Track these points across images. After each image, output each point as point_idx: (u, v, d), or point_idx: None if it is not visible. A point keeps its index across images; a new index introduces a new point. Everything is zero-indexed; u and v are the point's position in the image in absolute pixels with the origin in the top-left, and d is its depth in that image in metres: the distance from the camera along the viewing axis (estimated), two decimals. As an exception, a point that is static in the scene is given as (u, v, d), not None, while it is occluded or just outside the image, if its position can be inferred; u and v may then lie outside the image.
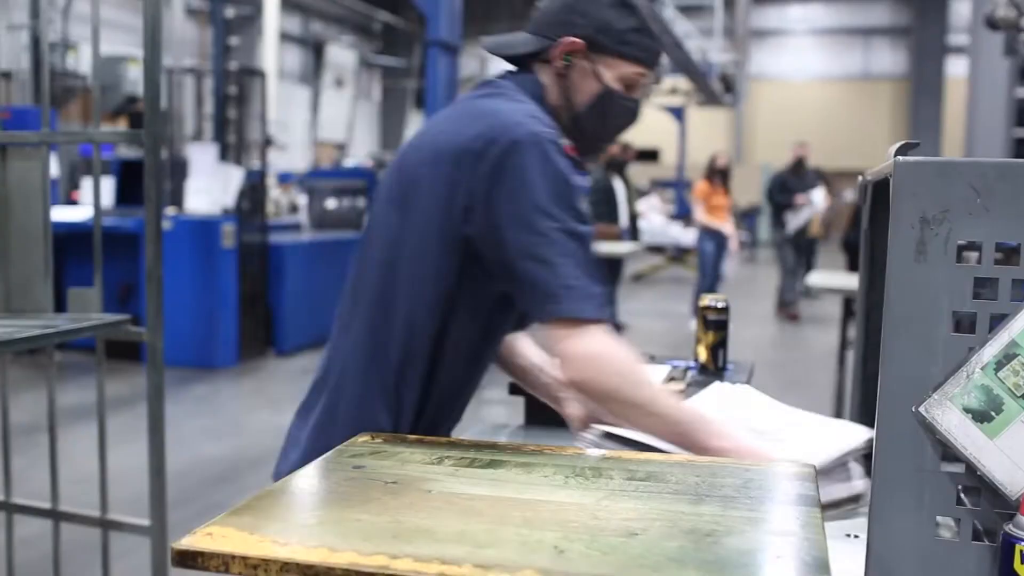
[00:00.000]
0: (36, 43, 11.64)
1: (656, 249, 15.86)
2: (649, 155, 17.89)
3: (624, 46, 1.70)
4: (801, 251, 12.08)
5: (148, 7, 2.72)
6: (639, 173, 12.01)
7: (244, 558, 1.02)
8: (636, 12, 1.72)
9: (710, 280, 10.21)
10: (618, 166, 9.40)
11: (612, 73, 1.71)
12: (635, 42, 1.71)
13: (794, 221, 11.13)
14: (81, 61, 13.82)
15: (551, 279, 1.51)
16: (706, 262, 10.25)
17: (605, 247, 8.55)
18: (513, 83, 1.75)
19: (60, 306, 2.99)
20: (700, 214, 10.01)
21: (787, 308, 11.82)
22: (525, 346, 1.97)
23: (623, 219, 9.23)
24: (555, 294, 1.51)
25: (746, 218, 20.32)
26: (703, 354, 2.30)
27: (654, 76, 1.77)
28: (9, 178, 3.03)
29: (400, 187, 1.67)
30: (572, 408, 1.82)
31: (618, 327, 8.78)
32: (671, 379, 2.18)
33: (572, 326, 1.52)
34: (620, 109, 1.74)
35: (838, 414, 5.63)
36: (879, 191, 1.70)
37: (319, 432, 1.68)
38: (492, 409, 4.83)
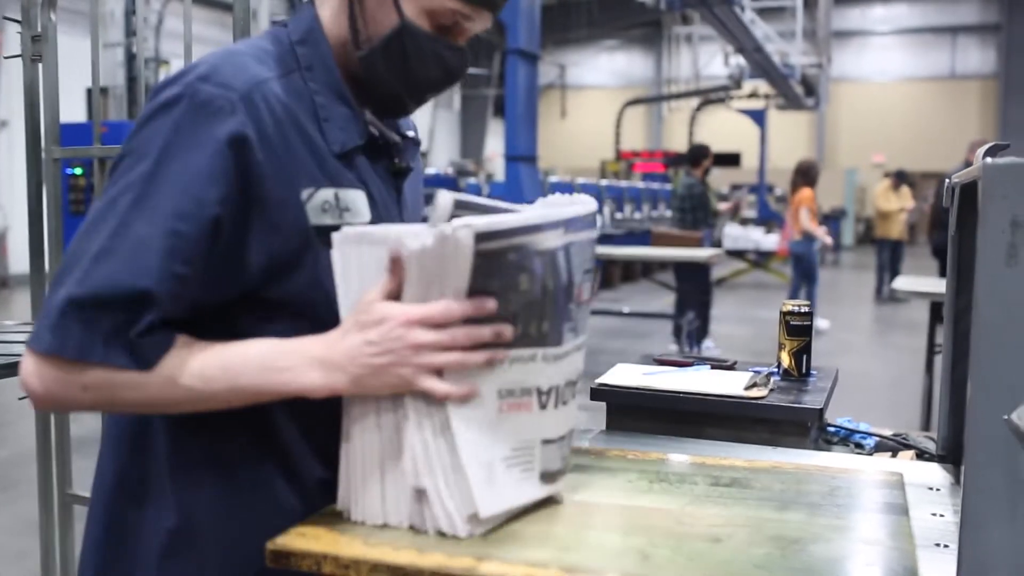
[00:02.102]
0: (131, 60, 12.02)
1: (736, 254, 15.68)
2: (729, 159, 17.69)
3: None
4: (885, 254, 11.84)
5: (238, 23, 2.79)
6: (719, 178, 11.89)
7: (336, 558, 1.06)
8: None
9: (815, 284, 10.05)
10: (710, 173, 9.31)
11: (417, 3, 1.26)
12: None
13: None
14: (171, 76, 14.20)
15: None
16: (812, 266, 10.06)
17: (687, 253, 8.49)
18: (289, 21, 1.36)
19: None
20: (807, 220, 9.83)
21: None
22: None
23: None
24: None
25: (830, 222, 19.97)
26: (786, 360, 2.28)
27: (486, 17, 1.31)
28: (106, 191, 3.14)
29: None
30: None
31: (703, 332, 8.66)
32: (753, 385, 2.16)
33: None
34: (425, 53, 1.28)
35: (927, 422, 5.50)
36: (967, 194, 1.68)
37: None
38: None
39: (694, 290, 8.67)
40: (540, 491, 1.18)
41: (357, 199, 1.26)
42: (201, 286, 1.16)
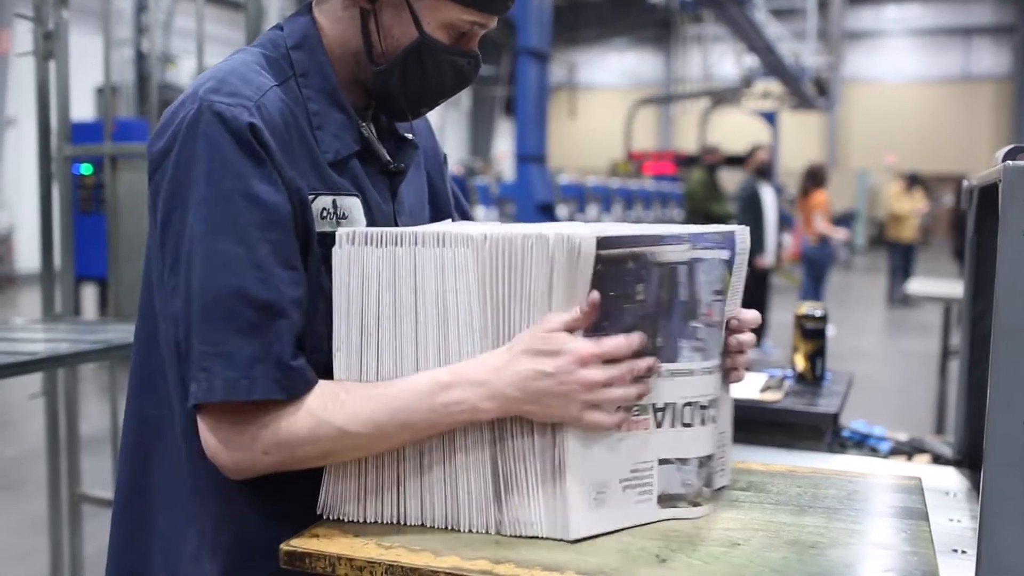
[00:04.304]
0: (140, 57, 12.06)
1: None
2: (741, 160, 17.71)
3: None
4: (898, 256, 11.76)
5: (250, 21, 2.79)
6: (730, 179, 11.87)
7: (350, 560, 1.05)
8: None
9: (823, 288, 10.01)
10: (766, 172, 9.06)
11: (436, 18, 1.26)
12: None
13: None
14: (181, 74, 14.26)
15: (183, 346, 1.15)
16: (824, 270, 10.03)
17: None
18: (285, 24, 1.35)
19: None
20: (822, 224, 9.79)
21: None
22: None
23: (770, 232, 8.90)
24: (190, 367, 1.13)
25: (842, 223, 19.93)
26: (801, 363, 2.27)
27: (493, 21, 1.31)
28: (119, 188, 3.15)
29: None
30: None
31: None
32: (767, 388, 2.15)
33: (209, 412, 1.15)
34: (443, 65, 1.29)
35: (940, 426, 5.48)
36: (986, 197, 1.66)
37: None
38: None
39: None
40: (657, 514, 1.16)
41: (353, 206, 1.26)
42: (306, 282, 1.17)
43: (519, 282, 1.09)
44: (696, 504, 1.18)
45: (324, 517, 1.17)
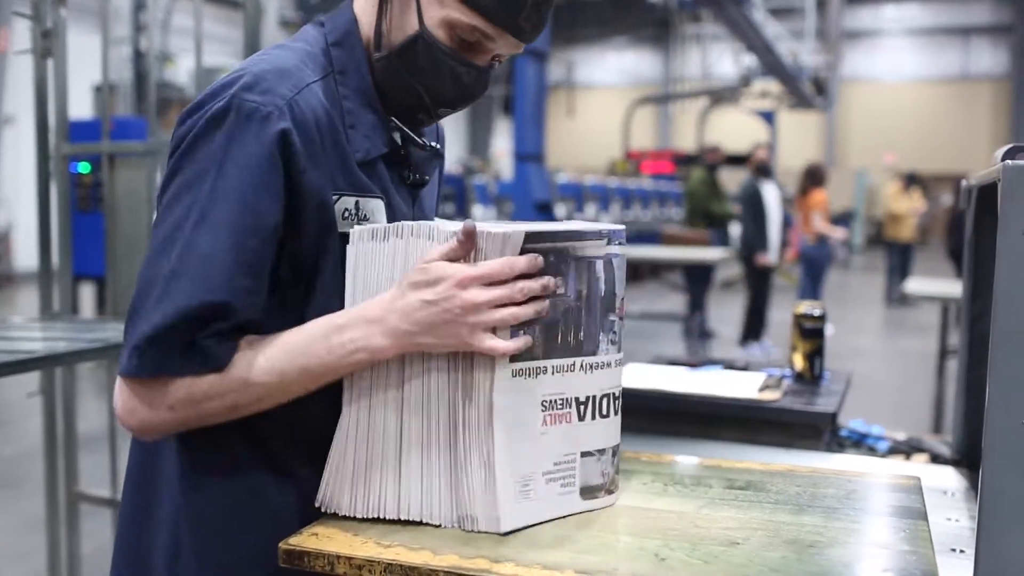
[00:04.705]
0: (137, 56, 12.05)
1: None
2: (739, 160, 17.67)
3: None
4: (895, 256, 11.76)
5: (248, 20, 2.79)
6: (731, 178, 11.89)
7: (349, 558, 1.05)
8: None
9: (821, 287, 10.01)
10: (765, 170, 9.03)
11: (438, 13, 1.22)
12: None
13: None
14: (179, 72, 14.26)
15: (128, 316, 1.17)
16: (823, 269, 10.03)
17: (693, 253, 8.47)
18: (327, 20, 1.34)
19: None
20: (821, 223, 9.79)
21: None
22: None
23: (773, 229, 8.91)
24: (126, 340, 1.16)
25: (840, 223, 19.95)
26: (799, 362, 2.27)
27: (512, 43, 1.25)
28: (116, 187, 3.15)
29: None
30: None
31: (707, 334, 8.66)
32: (766, 387, 2.15)
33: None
34: (439, 66, 1.24)
35: (937, 426, 5.48)
36: (985, 196, 1.66)
37: None
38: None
39: (702, 292, 8.64)
40: (579, 505, 1.18)
41: (376, 209, 1.26)
42: (266, 293, 1.18)
43: None
44: (610, 492, 1.22)
45: (323, 511, 1.17)
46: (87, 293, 9.02)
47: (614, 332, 1.19)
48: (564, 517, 1.17)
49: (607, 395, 1.20)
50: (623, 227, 1.21)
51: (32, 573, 3.75)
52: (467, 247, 1.11)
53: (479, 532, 1.11)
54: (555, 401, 1.15)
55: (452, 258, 1.11)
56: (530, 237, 1.10)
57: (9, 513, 4.56)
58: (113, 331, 2.66)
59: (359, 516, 1.16)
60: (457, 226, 1.13)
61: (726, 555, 1.06)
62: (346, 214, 1.22)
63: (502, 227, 1.11)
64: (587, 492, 1.19)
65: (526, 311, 1.11)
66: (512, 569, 1.01)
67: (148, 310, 1.12)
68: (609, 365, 1.19)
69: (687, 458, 1.47)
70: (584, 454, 1.18)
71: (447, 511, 1.13)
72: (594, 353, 1.17)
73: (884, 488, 1.32)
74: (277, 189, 1.16)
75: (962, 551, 1.44)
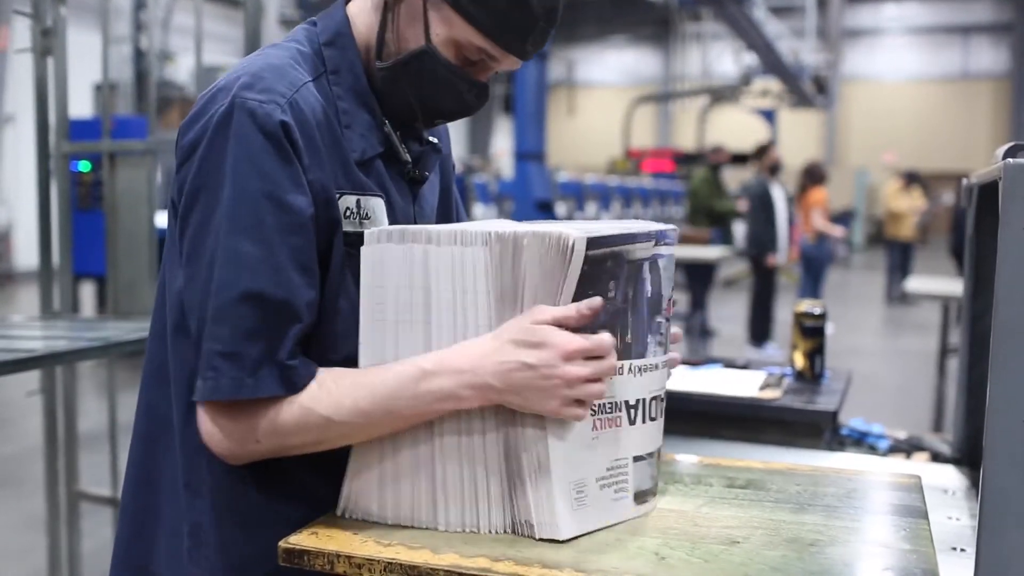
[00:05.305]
0: (138, 54, 12.05)
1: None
2: (739, 158, 17.66)
3: (469, 1, 1.19)
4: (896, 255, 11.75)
5: (248, 19, 2.79)
6: (732, 177, 11.89)
7: (349, 557, 1.05)
8: None
9: (821, 286, 10.01)
10: (777, 171, 9.01)
11: (446, 32, 1.22)
12: (488, 2, 1.19)
13: None
14: (179, 71, 14.24)
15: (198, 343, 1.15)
16: (823, 268, 10.02)
17: (695, 252, 8.47)
18: (319, 19, 1.33)
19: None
20: (821, 221, 9.79)
21: None
22: None
23: (781, 230, 8.89)
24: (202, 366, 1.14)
25: (840, 221, 19.95)
26: (800, 361, 2.27)
27: (514, 62, 1.26)
28: (117, 185, 3.14)
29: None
30: None
31: (708, 333, 8.67)
32: (766, 386, 2.15)
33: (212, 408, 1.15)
34: (441, 82, 1.25)
35: (938, 424, 5.48)
36: (986, 195, 1.66)
37: None
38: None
39: (703, 290, 8.64)
40: (632, 511, 1.17)
41: (377, 207, 1.26)
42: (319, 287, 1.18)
43: (520, 279, 1.09)
44: (654, 495, 1.21)
45: (347, 518, 1.16)
46: (87, 292, 9.02)
47: (661, 333, 1.17)
48: (617, 524, 1.15)
49: (656, 397, 1.18)
50: (674, 228, 1.19)
51: (32, 572, 3.75)
52: (585, 320, 1.08)
53: (537, 539, 1.09)
54: (604, 405, 1.13)
55: (563, 324, 1.08)
56: (593, 243, 1.07)
57: (9, 512, 4.56)
58: (113, 330, 2.66)
59: (390, 523, 1.14)
60: (486, 226, 1.12)
61: (726, 554, 1.06)
62: (348, 212, 1.22)
63: (551, 228, 1.08)
64: (640, 497, 1.17)
65: (604, 388, 1.10)
66: (511, 568, 1.01)
67: (209, 330, 1.12)
68: (656, 367, 1.17)
69: (687, 457, 1.47)
70: (636, 458, 1.16)
71: (497, 519, 1.11)
72: (642, 355, 1.15)
73: (885, 487, 1.32)
74: (299, 181, 1.16)
75: (963, 550, 1.43)
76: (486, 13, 1.19)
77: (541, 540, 1.09)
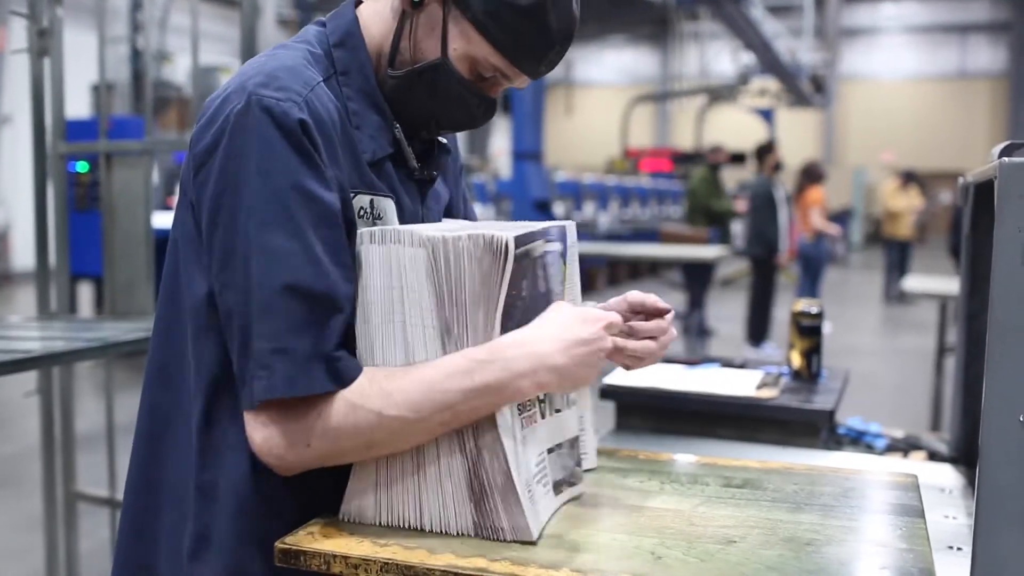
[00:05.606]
0: (135, 55, 12.03)
1: (744, 253, 15.62)
2: (736, 158, 17.64)
3: (490, 19, 1.20)
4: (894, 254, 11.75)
5: (245, 19, 2.79)
6: (730, 176, 11.90)
7: (345, 557, 1.05)
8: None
9: (819, 285, 10.01)
10: (779, 171, 9.00)
11: (463, 47, 1.23)
12: (508, 23, 1.19)
13: None
14: (176, 71, 14.23)
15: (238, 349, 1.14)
16: (821, 267, 10.02)
17: (693, 251, 8.46)
18: (328, 20, 1.33)
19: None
20: (819, 220, 9.79)
21: None
22: None
23: (784, 230, 8.88)
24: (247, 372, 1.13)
25: (838, 220, 19.96)
26: (797, 360, 2.27)
27: (526, 80, 1.28)
28: (114, 186, 3.14)
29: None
30: None
31: (706, 332, 8.67)
32: (763, 385, 2.15)
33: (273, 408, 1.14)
34: (452, 95, 1.26)
35: (936, 423, 5.48)
36: (982, 193, 1.66)
37: None
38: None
39: (701, 290, 8.65)
40: (557, 501, 1.19)
41: (388, 208, 1.26)
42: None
43: (460, 280, 1.10)
44: (572, 484, 1.23)
45: (347, 522, 1.16)
46: (85, 292, 9.02)
47: None
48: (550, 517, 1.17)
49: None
50: (564, 223, 1.23)
51: (30, 572, 3.75)
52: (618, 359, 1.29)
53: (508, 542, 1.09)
54: (525, 403, 1.15)
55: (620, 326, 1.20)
56: (517, 242, 1.09)
57: (7, 512, 4.56)
58: (111, 330, 2.66)
59: (383, 525, 1.15)
60: (429, 228, 1.13)
61: (723, 553, 1.06)
62: (362, 212, 1.22)
63: (483, 229, 1.10)
64: (556, 488, 1.20)
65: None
66: (508, 568, 1.01)
67: (256, 329, 1.10)
68: None
69: (684, 456, 1.47)
70: (549, 451, 1.19)
71: (465, 523, 1.11)
72: None
73: (881, 486, 1.32)
74: (324, 176, 1.15)
75: (959, 548, 1.44)
76: (506, 33, 1.20)
77: (514, 542, 1.09)
